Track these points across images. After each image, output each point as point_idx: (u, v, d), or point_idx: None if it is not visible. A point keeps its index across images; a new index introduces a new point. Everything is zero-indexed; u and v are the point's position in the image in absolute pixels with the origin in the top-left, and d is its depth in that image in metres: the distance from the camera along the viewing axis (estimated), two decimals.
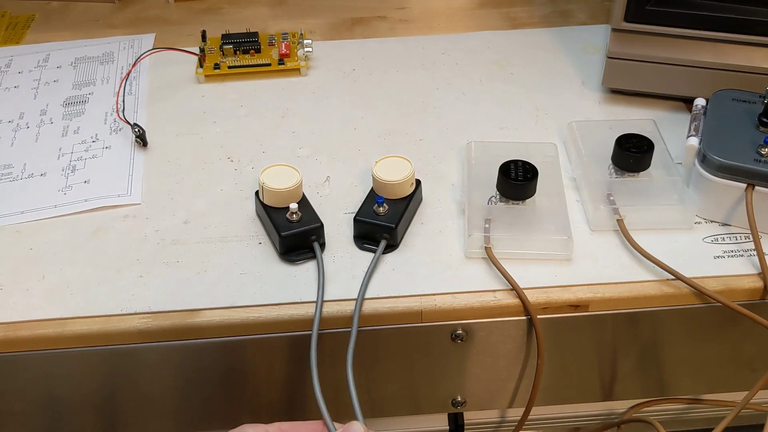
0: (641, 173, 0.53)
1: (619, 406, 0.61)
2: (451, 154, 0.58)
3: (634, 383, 0.55)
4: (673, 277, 0.48)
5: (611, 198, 0.51)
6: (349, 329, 0.46)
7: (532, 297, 0.47)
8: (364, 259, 0.50)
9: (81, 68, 0.69)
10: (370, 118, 0.62)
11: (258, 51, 0.67)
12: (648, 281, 0.48)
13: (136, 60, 0.68)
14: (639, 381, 0.55)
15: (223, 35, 0.69)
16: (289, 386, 0.52)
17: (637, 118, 0.60)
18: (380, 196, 0.51)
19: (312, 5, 0.77)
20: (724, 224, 0.51)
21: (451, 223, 0.52)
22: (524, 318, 0.48)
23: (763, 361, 0.53)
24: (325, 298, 0.47)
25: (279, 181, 0.50)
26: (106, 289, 0.49)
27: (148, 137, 0.60)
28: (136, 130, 0.59)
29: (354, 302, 0.47)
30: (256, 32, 0.68)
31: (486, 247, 0.49)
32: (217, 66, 0.66)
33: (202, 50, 0.68)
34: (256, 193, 0.52)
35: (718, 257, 0.49)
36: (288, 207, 0.50)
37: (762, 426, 0.48)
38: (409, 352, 0.50)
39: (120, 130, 0.62)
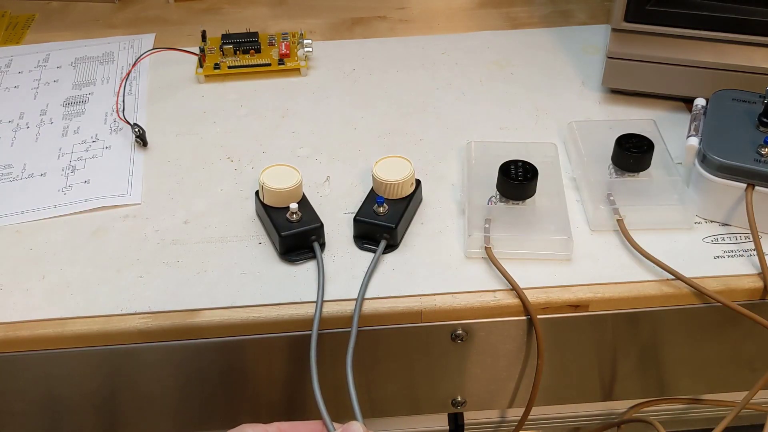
0: (641, 173, 0.53)
1: (619, 406, 0.61)
2: (451, 154, 0.58)
3: (634, 383, 0.55)
4: (673, 277, 0.48)
5: (611, 198, 0.51)
6: (349, 329, 0.46)
7: (532, 297, 0.47)
8: (364, 259, 0.50)
9: (81, 68, 0.69)
10: (370, 118, 0.62)
11: (258, 51, 0.67)
12: (648, 281, 0.48)
13: (136, 60, 0.68)
14: (639, 381, 0.55)
15: (223, 35, 0.69)
16: (289, 386, 0.52)
17: (637, 118, 0.60)
18: (380, 196, 0.51)
19: (312, 5, 0.77)
20: (724, 224, 0.51)
21: (451, 223, 0.52)
22: (524, 318, 0.48)
23: (763, 361, 0.53)
24: (325, 298, 0.47)
25: (279, 181, 0.50)
26: (106, 289, 0.49)
27: (148, 137, 0.60)
28: (136, 130, 0.59)
29: (354, 302, 0.47)
30: (256, 32, 0.68)
31: (486, 247, 0.49)
32: (217, 66, 0.66)
33: (202, 50, 0.68)
34: (256, 193, 0.52)
35: (718, 257, 0.49)
36: (288, 207, 0.50)
37: (762, 426, 0.48)
38: (409, 352, 0.50)
39: (120, 130, 0.62)
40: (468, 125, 0.61)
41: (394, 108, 0.63)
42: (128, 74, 0.67)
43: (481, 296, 0.48)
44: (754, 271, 0.49)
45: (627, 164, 0.52)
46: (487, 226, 0.49)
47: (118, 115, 0.62)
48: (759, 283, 0.48)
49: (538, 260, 0.49)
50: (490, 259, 0.48)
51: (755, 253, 0.49)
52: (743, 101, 0.54)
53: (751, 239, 0.49)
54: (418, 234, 0.52)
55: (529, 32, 0.72)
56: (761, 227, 0.49)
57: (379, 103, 0.64)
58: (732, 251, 0.50)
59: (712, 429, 0.48)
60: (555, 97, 0.63)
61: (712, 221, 0.52)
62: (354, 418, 0.41)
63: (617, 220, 0.50)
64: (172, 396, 0.52)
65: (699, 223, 0.52)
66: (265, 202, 0.51)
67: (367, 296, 0.47)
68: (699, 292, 0.47)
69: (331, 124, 0.62)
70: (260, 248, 0.51)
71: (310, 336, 0.45)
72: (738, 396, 0.50)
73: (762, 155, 0.49)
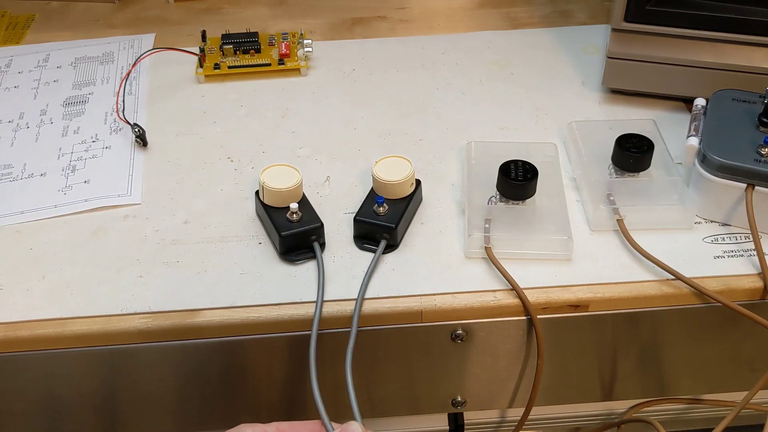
0: (641, 173, 0.53)
1: (619, 406, 0.61)
2: (451, 154, 0.58)
3: (634, 383, 0.55)
4: (673, 277, 0.48)
5: (611, 198, 0.51)
6: (349, 329, 0.46)
7: (532, 297, 0.47)
8: (364, 259, 0.50)
9: (81, 68, 0.69)
10: (370, 118, 0.62)
11: (258, 51, 0.67)
12: (648, 281, 0.48)
13: (136, 60, 0.68)
14: (639, 381, 0.55)
15: (223, 35, 0.69)
16: (289, 386, 0.52)
17: (637, 118, 0.60)
18: (380, 196, 0.51)
19: (312, 5, 0.77)
20: (724, 224, 0.51)
21: (451, 223, 0.52)
22: (524, 318, 0.48)
23: (763, 361, 0.53)
24: (325, 298, 0.47)
25: (279, 181, 0.50)
26: (106, 289, 0.49)
27: (148, 137, 0.60)
28: (136, 130, 0.59)
29: (354, 302, 0.47)
30: (256, 32, 0.68)
31: (486, 247, 0.49)
32: (217, 66, 0.66)
33: (202, 50, 0.68)
34: (256, 192, 0.52)
35: (718, 257, 0.49)
36: (288, 207, 0.50)
37: (762, 426, 0.48)
38: (409, 352, 0.50)
39: (120, 130, 0.62)
40: (468, 125, 0.61)
41: (394, 108, 0.63)
42: (128, 74, 0.67)
43: (481, 296, 0.48)
44: (754, 271, 0.49)
45: (627, 164, 0.52)
46: (487, 226, 0.49)
47: (118, 115, 0.62)
48: (759, 283, 0.48)
49: (538, 260, 0.49)
50: (490, 259, 0.48)
51: (755, 253, 0.49)
52: (743, 101, 0.54)
53: (751, 239, 0.49)
54: (418, 234, 0.52)
55: (529, 32, 0.72)
56: (761, 227, 0.49)
57: (379, 103, 0.64)
58: (732, 251, 0.50)
59: (712, 429, 0.48)
60: (555, 97, 0.63)
61: (712, 221, 0.52)
62: (353, 418, 0.41)
63: (617, 220, 0.50)
64: (172, 396, 0.52)
65: (699, 223, 0.52)
66: (265, 202, 0.51)
67: (367, 296, 0.47)
68: (699, 292, 0.47)
69: (331, 124, 0.62)
70: (260, 248, 0.51)
71: (309, 336, 0.45)
72: (738, 396, 0.50)
73: (762, 155, 0.49)
